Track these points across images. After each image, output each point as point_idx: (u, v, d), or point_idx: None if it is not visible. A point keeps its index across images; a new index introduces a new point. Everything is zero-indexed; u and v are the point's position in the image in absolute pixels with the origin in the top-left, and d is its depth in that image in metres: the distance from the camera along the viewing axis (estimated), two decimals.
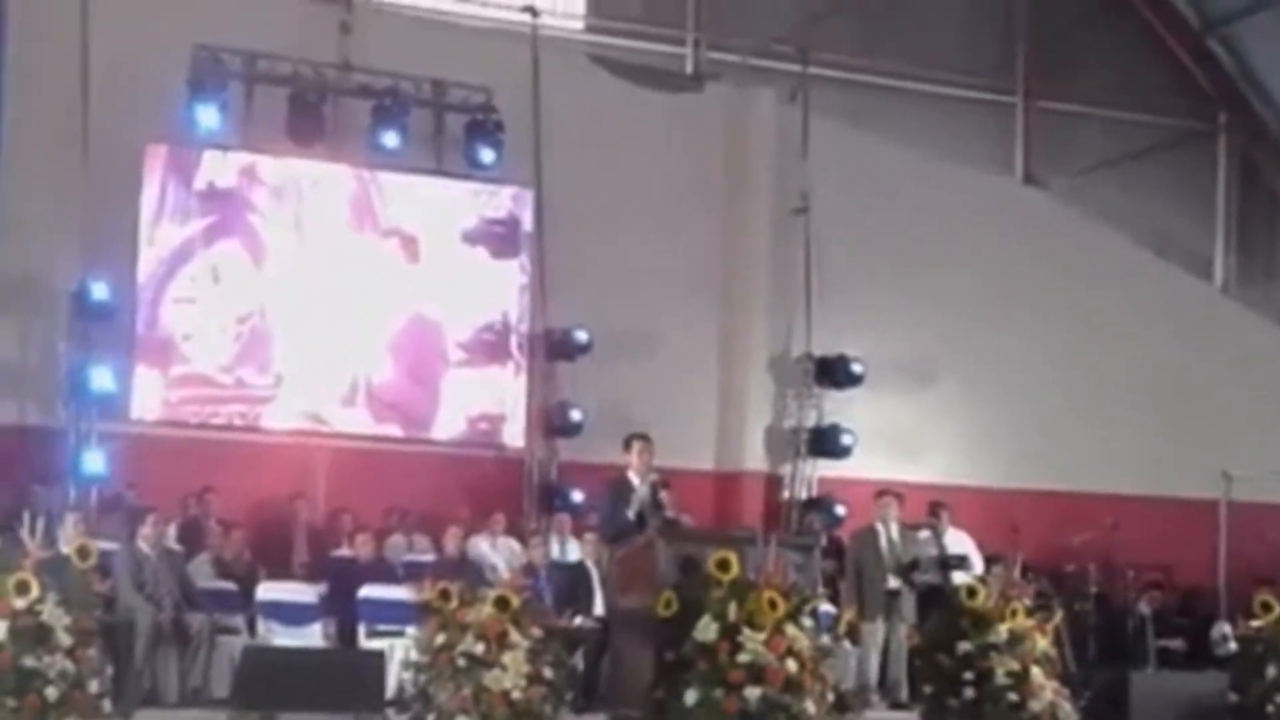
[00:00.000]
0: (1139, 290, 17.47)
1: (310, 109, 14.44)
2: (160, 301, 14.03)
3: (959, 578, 12.20)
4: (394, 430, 14.74)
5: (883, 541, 12.73)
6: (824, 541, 13.24)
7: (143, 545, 11.33)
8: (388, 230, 14.85)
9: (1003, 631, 10.73)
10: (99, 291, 13.43)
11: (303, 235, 14.61)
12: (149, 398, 13.92)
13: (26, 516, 9.59)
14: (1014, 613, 10.81)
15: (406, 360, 14.75)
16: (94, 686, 9.22)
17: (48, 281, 13.57)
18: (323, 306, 14.58)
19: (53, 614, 9.29)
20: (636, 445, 11.04)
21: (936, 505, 13.23)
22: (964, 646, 10.72)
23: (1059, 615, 11.48)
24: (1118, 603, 14.74)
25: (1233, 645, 12.53)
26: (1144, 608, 14.63)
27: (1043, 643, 10.81)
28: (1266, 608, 11.41)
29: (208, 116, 13.95)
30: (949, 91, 17.60)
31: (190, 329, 14.09)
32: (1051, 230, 17.35)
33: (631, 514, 10.79)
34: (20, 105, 13.50)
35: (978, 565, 12.77)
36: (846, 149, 16.16)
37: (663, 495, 10.97)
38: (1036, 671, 10.62)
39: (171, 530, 12.58)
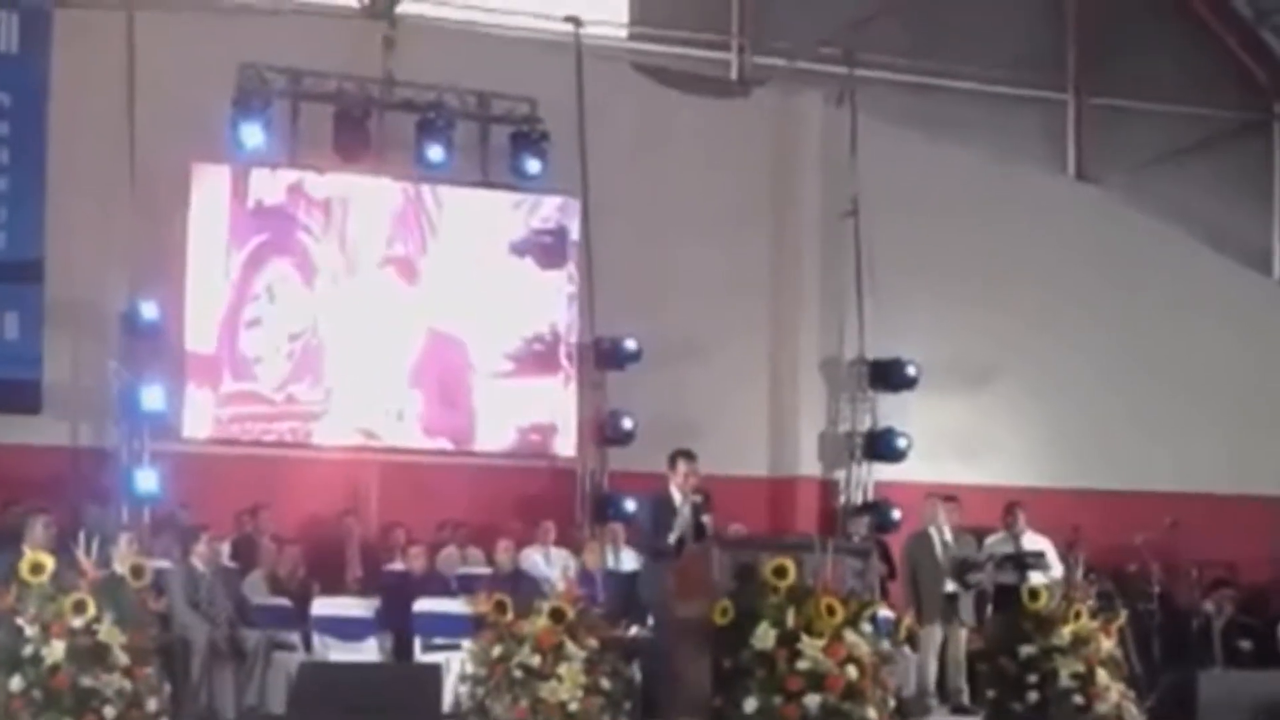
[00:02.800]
0: (1196, 285, 17.26)
1: (355, 124, 14.46)
2: (238, 324, 14.02)
3: (1036, 577, 12.01)
4: (444, 444, 14.69)
5: (937, 545, 12.59)
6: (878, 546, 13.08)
7: (197, 563, 11.34)
8: (434, 242, 14.82)
9: (1066, 634, 10.59)
10: (148, 311, 13.47)
11: (350, 250, 14.61)
12: (200, 416, 13.94)
13: (81, 537, 9.62)
14: (1077, 614, 10.67)
15: (447, 375, 14.66)
16: (151, 705, 9.23)
17: (97, 302, 13.61)
18: (371, 321, 14.57)
19: (109, 633, 9.31)
20: (681, 464, 10.87)
21: (1013, 505, 13.10)
22: (1027, 650, 10.59)
23: (1123, 616, 11.30)
24: (1182, 602, 14.57)
25: None
26: (1209, 607, 14.44)
27: (1107, 644, 10.67)
28: None
29: (253, 135, 13.97)
30: (998, 89, 17.42)
31: (258, 350, 14.12)
32: (1106, 227, 17.16)
33: (672, 539, 10.66)
34: (67, 126, 13.56)
35: (1056, 566, 12.59)
36: (896, 150, 16.03)
37: (705, 519, 10.84)
38: (1102, 673, 10.48)
39: (225, 548, 12.61)
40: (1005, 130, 17.31)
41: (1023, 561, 12.44)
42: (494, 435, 14.88)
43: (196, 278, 14.01)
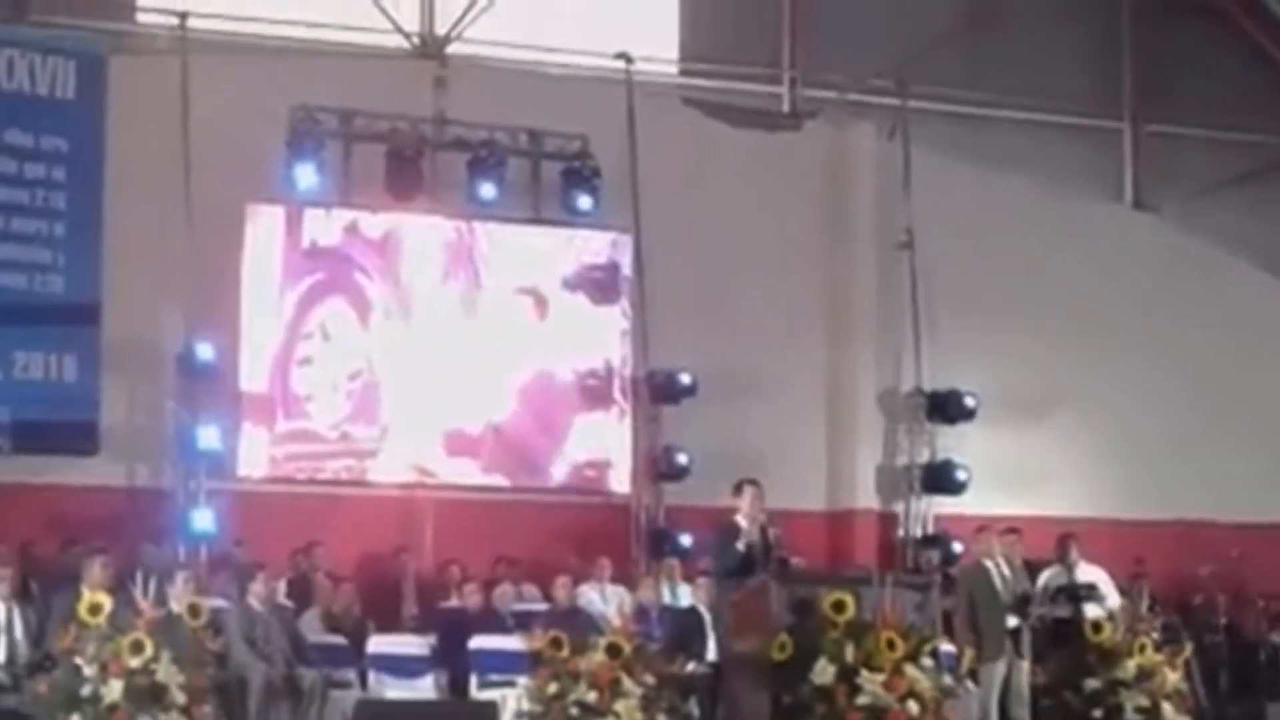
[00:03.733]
0: (1257, 313, 17.05)
1: (408, 164, 14.52)
2: (288, 363, 14.09)
3: (1091, 610, 11.84)
4: (499, 480, 14.67)
5: (995, 578, 12.42)
6: (940, 579, 12.92)
7: (253, 602, 11.35)
8: (488, 280, 14.84)
9: (1131, 667, 10.46)
10: (204, 352, 13.54)
11: (405, 289, 14.65)
12: (255, 455, 13.97)
13: (139, 577, 9.66)
14: (1142, 647, 10.52)
15: (530, 408, 14.68)
16: None
17: (153, 343, 13.70)
18: (426, 358, 14.57)
19: (167, 672, 9.37)
20: (749, 491, 10.83)
21: (1066, 537, 12.92)
22: (1091, 683, 10.46)
23: (1189, 648, 11.11)
24: (1249, 634, 14.31)
25: None
26: (1277, 638, 14.19)
27: (1173, 677, 10.52)
28: None
29: (306, 175, 14.06)
30: (1053, 119, 17.28)
31: (311, 389, 14.16)
32: (1165, 256, 16.98)
33: (741, 546, 10.55)
34: (123, 168, 13.67)
35: (1112, 597, 12.40)
36: (949, 181, 15.94)
37: (773, 536, 10.74)
38: (1168, 707, 10.33)
39: (281, 586, 12.60)
40: (1060, 160, 17.15)
41: (1076, 594, 12.26)
42: (549, 471, 14.83)
43: (251, 318, 14.07)
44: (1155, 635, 10.73)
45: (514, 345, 14.74)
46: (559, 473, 14.80)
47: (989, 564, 12.49)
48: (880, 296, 15.98)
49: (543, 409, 14.76)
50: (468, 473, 14.58)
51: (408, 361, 14.53)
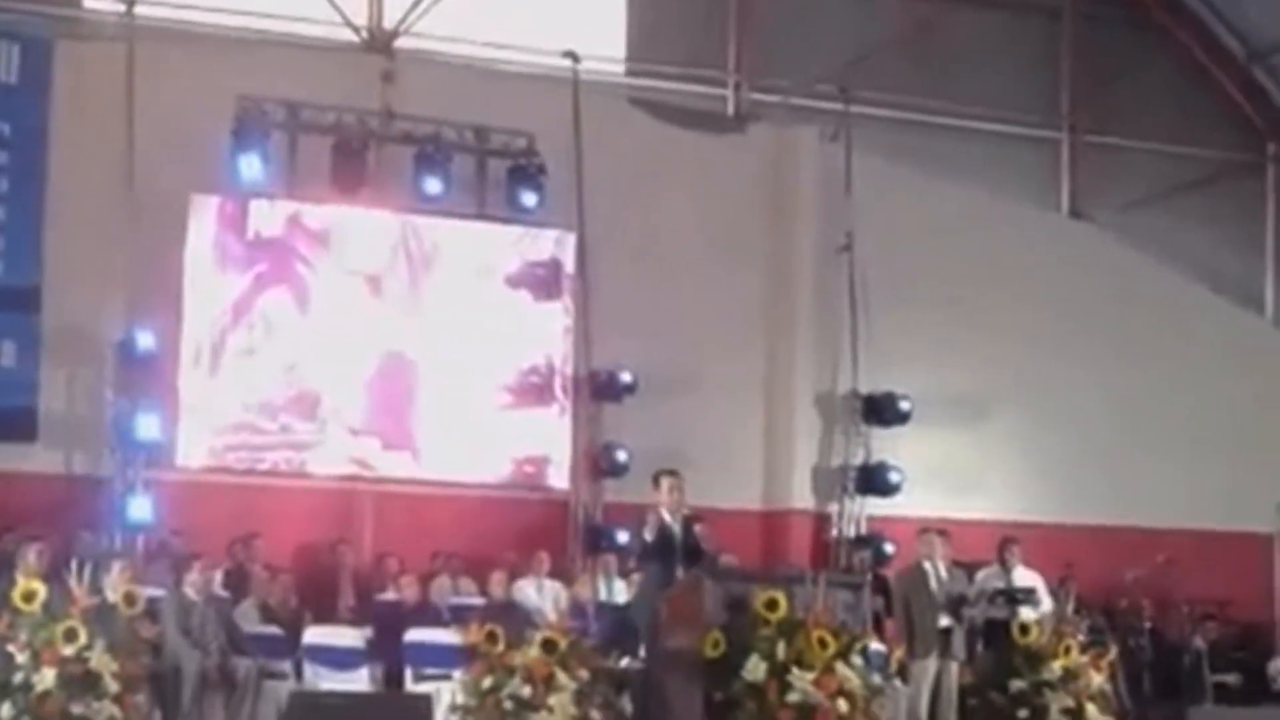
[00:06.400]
0: (1189, 324, 17.31)
1: (353, 157, 14.54)
2: (224, 352, 14.08)
3: (1026, 613, 12.03)
4: (437, 474, 14.70)
5: (932, 579, 12.59)
6: (870, 579, 13.09)
7: (189, 591, 11.35)
8: (431, 274, 14.88)
9: (1057, 668, 10.61)
10: (145, 341, 13.52)
11: (347, 282, 14.66)
12: (194, 445, 13.97)
13: (74, 564, 9.65)
14: (1068, 649, 10.68)
15: (452, 404, 14.74)
16: None
17: (94, 331, 13.66)
18: (367, 352, 14.61)
19: (100, 660, 9.34)
20: (665, 482, 10.90)
21: (1007, 541, 13.11)
22: (1017, 684, 10.61)
23: (1113, 651, 11.31)
24: (1173, 638, 14.56)
25: None
26: (1199, 642, 14.44)
27: (1098, 679, 10.68)
28: None
29: (251, 166, 14.05)
30: (993, 127, 17.51)
31: (251, 379, 14.15)
32: (1099, 265, 17.22)
33: (648, 535, 10.63)
34: (66, 154, 13.64)
35: (1046, 602, 12.60)
36: (890, 186, 16.11)
37: (697, 529, 10.84)
38: (1091, 708, 10.51)
39: (218, 576, 12.61)
40: (999, 167, 17.39)
41: (1014, 596, 12.45)
42: (488, 466, 14.90)
43: (193, 307, 14.06)
44: (1081, 638, 10.90)
45: (433, 339, 14.71)
46: (488, 468, 14.78)
47: (926, 565, 12.66)
48: (819, 298, 16.13)
49: (436, 405, 14.67)
50: (406, 466, 14.63)
51: (347, 355, 14.55)
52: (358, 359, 14.57)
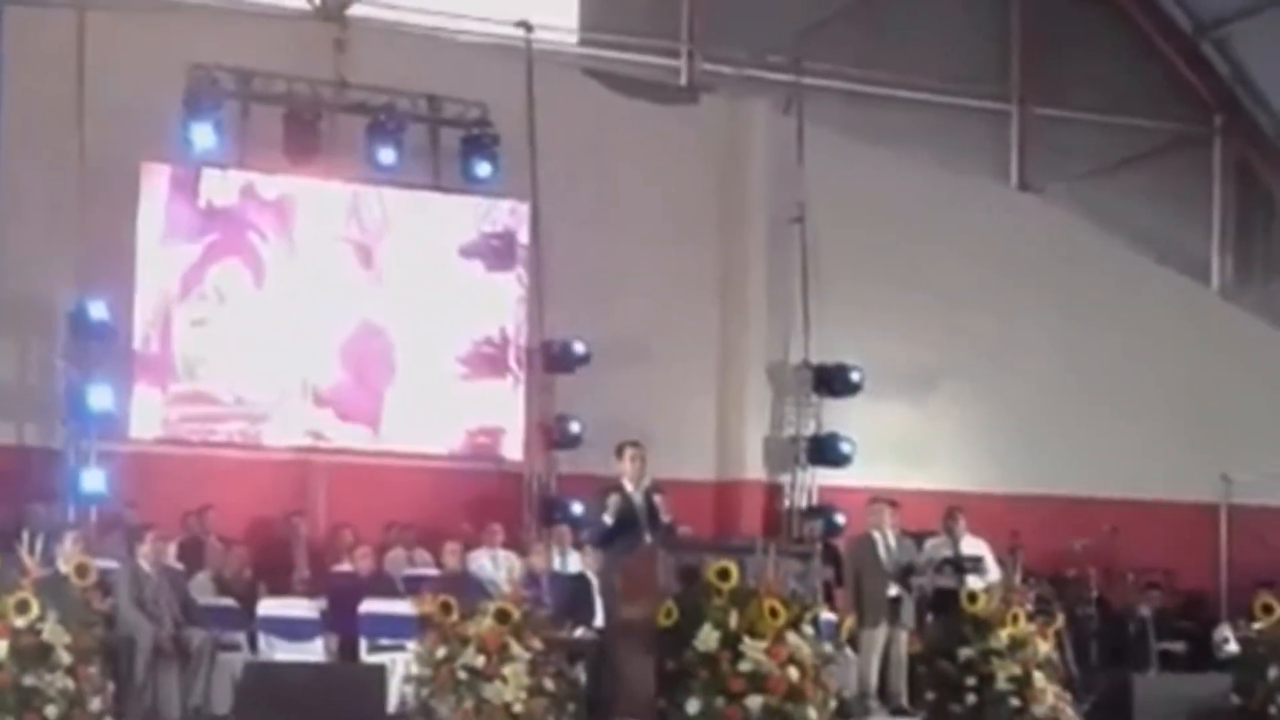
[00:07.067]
0: (1137, 294, 17.50)
1: (306, 127, 14.49)
2: (173, 323, 14.05)
3: (973, 581, 12.18)
4: (392, 445, 14.72)
5: (881, 549, 12.72)
6: (821, 549, 13.22)
7: (143, 563, 11.31)
8: (384, 246, 14.87)
9: (1004, 636, 10.75)
10: (97, 311, 13.45)
11: (300, 252, 14.64)
12: (148, 416, 13.94)
13: (26, 536, 9.63)
14: (1015, 618, 10.82)
15: (376, 371, 14.72)
16: (95, 704, 9.27)
17: (45, 301, 13.58)
18: (321, 323, 14.59)
19: (53, 632, 9.35)
20: (628, 452, 10.99)
21: (953, 510, 13.24)
22: (965, 652, 10.74)
23: (1060, 620, 11.48)
24: (1119, 607, 14.75)
25: (1234, 648, 12.54)
26: (1145, 611, 14.64)
27: (1044, 647, 10.83)
28: (1267, 610, 11.46)
29: (203, 135, 13.99)
30: (944, 100, 17.63)
31: (203, 350, 14.12)
32: (1048, 236, 17.38)
33: (608, 519, 10.72)
34: (16, 124, 13.50)
35: (993, 570, 12.75)
36: (842, 158, 16.20)
37: (658, 499, 10.94)
38: (1038, 676, 10.64)
39: (172, 548, 12.56)
40: (950, 140, 17.52)
41: (961, 565, 12.59)
42: (443, 438, 14.94)
43: (145, 277, 14.01)
44: (1028, 606, 11.05)
45: (388, 310, 14.71)
46: (442, 439, 14.81)
47: (875, 534, 12.79)
48: (771, 270, 16.21)
49: (392, 375, 14.70)
50: (361, 438, 14.64)
51: (301, 326, 14.53)
52: (313, 330, 14.55)
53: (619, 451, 11.04)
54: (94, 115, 13.47)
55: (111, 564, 11.10)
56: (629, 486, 10.89)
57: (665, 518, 10.84)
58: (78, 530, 11.26)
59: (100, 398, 13.37)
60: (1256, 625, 11.48)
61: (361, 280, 14.81)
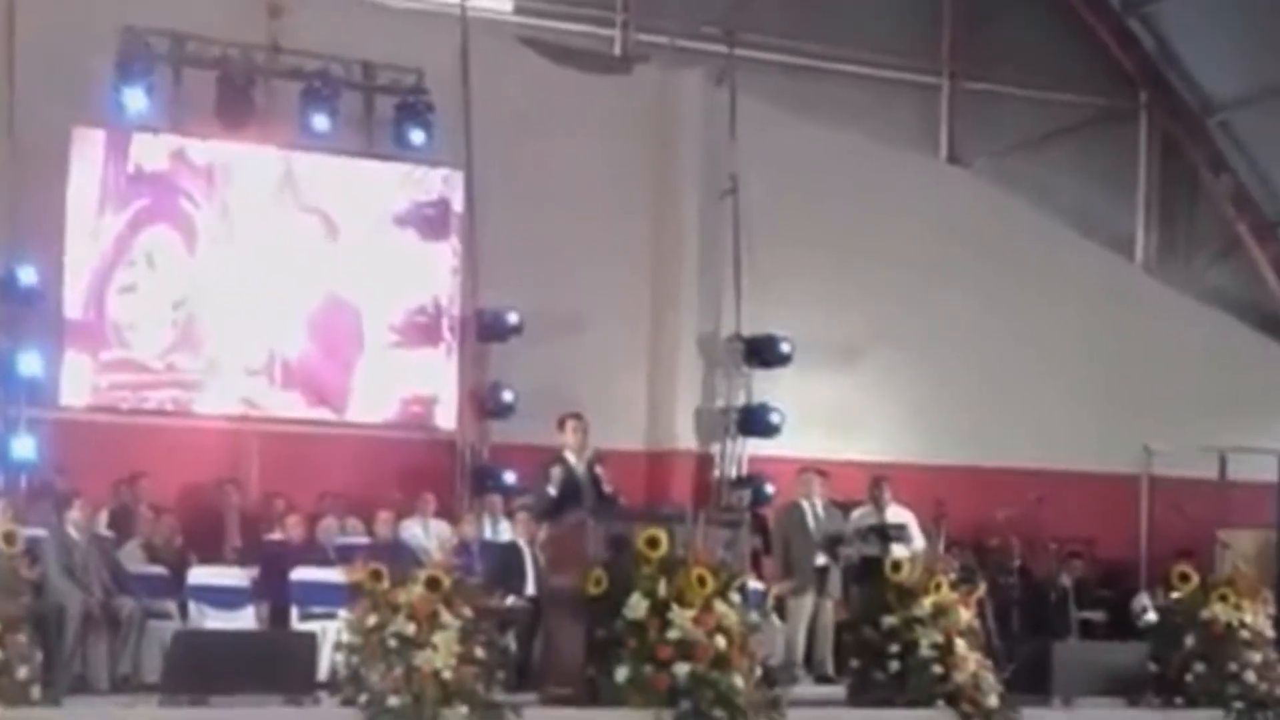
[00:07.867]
0: (1062, 268, 17.72)
1: (239, 92, 14.42)
2: (106, 289, 13.96)
3: (898, 550, 12.35)
4: (325, 414, 14.75)
5: (809, 518, 12.89)
6: (749, 518, 13.38)
7: (72, 530, 11.29)
8: (317, 213, 14.85)
9: (927, 605, 10.85)
10: (26, 276, 13.37)
11: (233, 218, 14.59)
12: (78, 384, 13.88)
13: None
14: (938, 586, 10.96)
15: (328, 342, 14.73)
16: (23, 673, 9.20)
17: None
18: (254, 290, 14.57)
19: None
20: (570, 424, 11.12)
21: (879, 479, 13.42)
22: (889, 620, 10.85)
23: (982, 588, 11.65)
24: (1040, 576, 14.98)
25: (1152, 616, 12.78)
26: (1066, 580, 14.89)
27: (966, 615, 10.96)
28: (1185, 579, 11.67)
29: (135, 99, 13.90)
30: (875, 73, 17.78)
31: (134, 317, 14.05)
32: (975, 209, 17.55)
33: (552, 490, 10.82)
34: None
35: (918, 539, 12.93)
36: (774, 130, 16.28)
37: (600, 470, 11.05)
38: (960, 644, 10.76)
39: (102, 516, 12.55)
40: (881, 113, 17.67)
41: (886, 534, 12.78)
42: (375, 406, 14.96)
43: (75, 243, 13.92)
44: (951, 575, 11.21)
45: (319, 277, 14.70)
46: (375, 408, 14.87)
47: (804, 504, 12.95)
48: (703, 241, 16.30)
49: (337, 343, 14.73)
50: (293, 406, 14.64)
51: (233, 293, 14.50)
52: (243, 296, 14.51)
53: (561, 424, 11.14)
54: (24, 78, 13.40)
55: (40, 532, 11.06)
56: (571, 458, 10.99)
57: (607, 488, 10.94)
58: (6, 498, 11.24)
59: (30, 364, 13.32)
60: (1174, 594, 11.70)
61: (295, 247, 14.77)
